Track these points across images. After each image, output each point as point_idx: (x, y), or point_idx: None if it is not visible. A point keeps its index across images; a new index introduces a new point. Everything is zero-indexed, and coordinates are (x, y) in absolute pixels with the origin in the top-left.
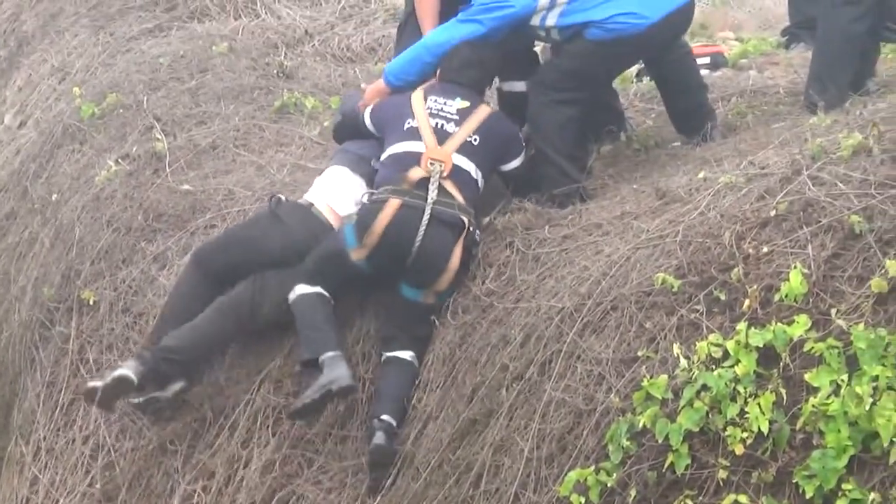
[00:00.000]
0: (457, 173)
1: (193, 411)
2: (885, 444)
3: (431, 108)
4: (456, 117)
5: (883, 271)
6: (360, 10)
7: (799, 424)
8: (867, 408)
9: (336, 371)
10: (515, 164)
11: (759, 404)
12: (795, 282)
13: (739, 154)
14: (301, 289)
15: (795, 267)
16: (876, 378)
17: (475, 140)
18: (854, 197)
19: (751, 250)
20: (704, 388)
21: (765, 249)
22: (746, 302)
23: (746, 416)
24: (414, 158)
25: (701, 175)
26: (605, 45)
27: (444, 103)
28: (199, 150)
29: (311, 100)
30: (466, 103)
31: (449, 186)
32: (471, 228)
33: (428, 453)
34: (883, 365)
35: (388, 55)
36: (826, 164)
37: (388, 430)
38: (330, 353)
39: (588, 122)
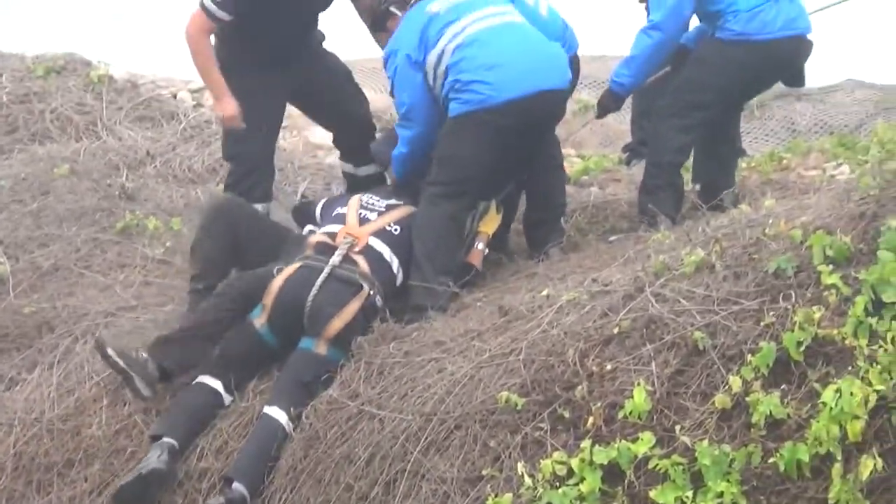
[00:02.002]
0: (369, 252)
1: None
2: None
3: (363, 202)
4: (381, 209)
5: (726, 387)
6: (202, 131)
7: None
8: None
9: (153, 455)
10: None
11: None
12: (639, 399)
13: (583, 271)
14: (201, 378)
15: (639, 384)
16: (721, 494)
17: (395, 230)
18: (697, 313)
19: (594, 368)
20: None
21: (608, 367)
22: (590, 419)
23: None
24: (331, 236)
25: (544, 292)
26: (463, 118)
27: (377, 200)
28: (42, 272)
29: (153, 220)
30: (398, 202)
31: (359, 260)
32: (371, 293)
33: None
34: (727, 481)
35: None
36: (669, 280)
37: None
38: (165, 439)
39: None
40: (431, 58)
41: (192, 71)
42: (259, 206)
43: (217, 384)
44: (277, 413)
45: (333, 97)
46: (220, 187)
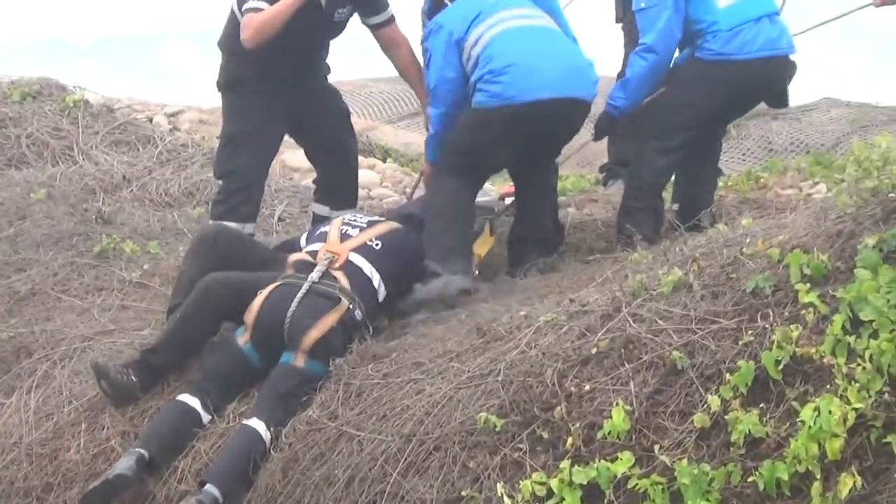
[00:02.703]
0: (349, 267)
1: None
2: None
3: (346, 220)
4: (363, 225)
5: (705, 406)
6: (178, 155)
7: None
8: None
9: (123, 462)
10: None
11: None
12: (618, 419)
13: (560, 291)
14: (182, 397)
15: (618, 404)
16: None
17: (376, 245)
18: (675, 333)
19: (573, 388)
20: None
21: (587, 387)
22: (569, 440)
23: None
24: (312, 255)
25: (522, 312)
26: (487, 111)
27: (360, 218)
28: (19, 297)
29: (129, 244)
30: (380, 219)
31: (339, 276)
32: (350, 307)
33: None
34: (707, 500)
35: (206, 198)
36: (646, 300)
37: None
38: (135, 449)
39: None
40: (470, 39)
41: (168, 95)
42: (244, 226)
43: (196, 402)
44: (256, 424)
45: (329, 136)
46: (200, 210)
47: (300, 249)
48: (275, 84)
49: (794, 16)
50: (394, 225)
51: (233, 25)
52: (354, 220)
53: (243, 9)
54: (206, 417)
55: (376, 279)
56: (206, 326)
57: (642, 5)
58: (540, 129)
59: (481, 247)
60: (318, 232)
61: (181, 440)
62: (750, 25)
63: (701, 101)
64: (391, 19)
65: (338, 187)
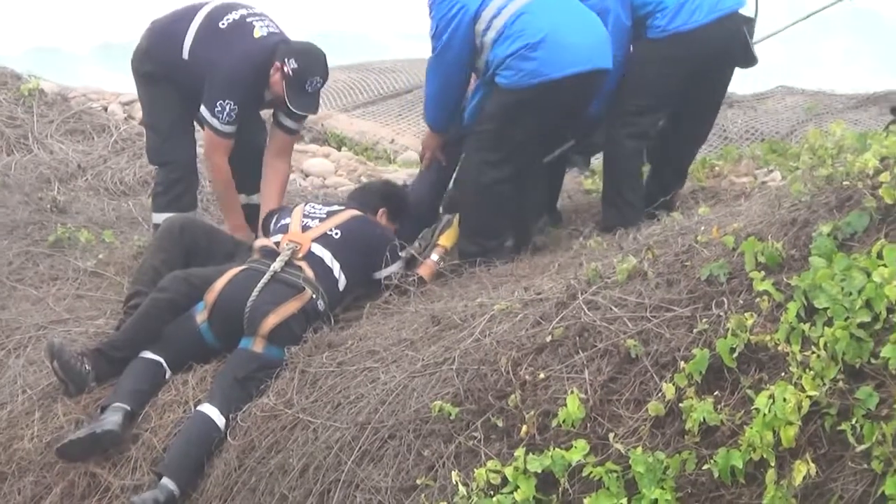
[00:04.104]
0: (311, 257)
1: None
2: None
3: (306, 212)
4: (323, 216)
5: (660, 394)
6: (133, 144)
7: None
8: None
9: (109, 417)
10: (391, 270)
11: None
12: (572, 407)
13: (516, 279)
14: (143, 353)
15: (572, 392)
16: (655, 501)
17: (336, 234)
18: (629, 321)
19: (527, 376)
20: None
21: (541, 375)
22: (524, 428)
23: None
24: (276, 244)
25: (477, 301)
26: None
27: (319, 209)
28: None
29: (84, 233)
30: (339, 208)
31: (302, 265)
32: (313, 297)
33: None
34: (662, 488)
35: None
36: (601, 288)
37: (168, 498)
38: (117, 403)
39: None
40: (490, 9)
41: (123, 83)
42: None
43: (159, 359)
44: (210, 410)
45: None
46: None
47: (268, 232)
48: (179, 82)
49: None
50: (353, 213)
51: (173, 48)
52: (313, 212)
53: (210, 120)
54: (168, 373)
55: (336, 268)
56: (167, 322)
57: None
58: (571, 103)
59: (448, 238)
60: (279, 224)
61: (153, 389)
62: None
63: (661, 81)
64: (297, 133)
65: (249, 175)
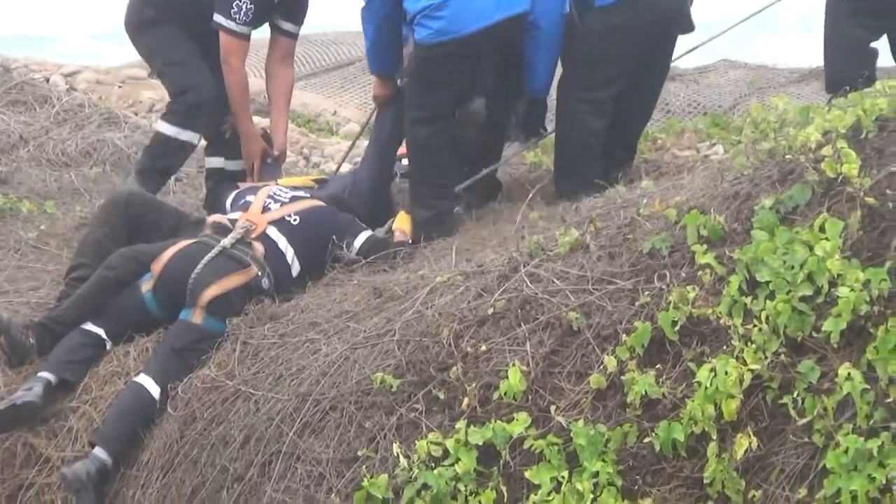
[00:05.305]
0: (265, 239)
1: None
2: None
3: (272, 192)
4: (285, 200)
5: (601, 367)
6: (75, 115)
7: None
8: None
9: (31, 388)
10: (359, 241)
11: (479, 502)
12: (514, 379)
13: (458, 252)
14: (84, 325)
15: (514, 364)
16: (596, 474)
17: (294, 220)
18: (571, 293)
19: (469, 349)
20: (425, 486)
21: (483, 347)
22: (465, 400)
23: None
24: (232, 221)
25: (419, 273)
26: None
27: (285, 192)
28: None
29: (26, 204)
30: (303, 194)
31: (255, 245)
32: (258, 274)
33: None
34: (603, 461)
35: (103, 158)
36: (544, 261)
37: (99, 468)
38: (39, 374)
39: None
40: None
41: (64, 55)
42: (198, 137)
43: (100, 331)
44: (146, 381)
45: (222, 91)
46: (97, 170)
47: (223, 208)
48: (181, 18)
49: None
50: (315, 202)
51: None
52: (278, 194)
53: (226, 24)
54: (109, 344)
55: (290, 254)
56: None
57: None
58: (491, 54)
59: (401, 222)
60: (242, 200)
61: (86, 363)
62: None
63: (616, 51)
64: (297, 36)
65: (228, 138)
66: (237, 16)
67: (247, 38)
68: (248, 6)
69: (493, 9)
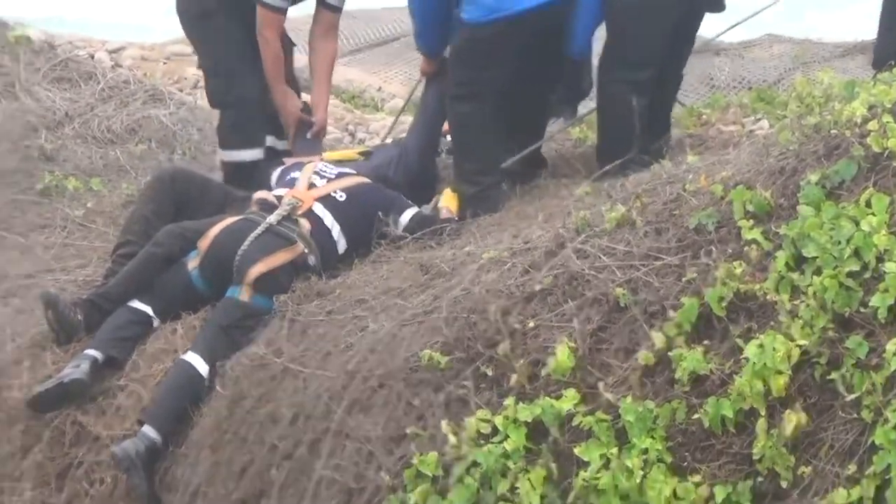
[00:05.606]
0: (311, 215)
1: None
2: None
3: (318, 168)
4: (331, 177)
5: (649, 343)
6: (120, 91)
7: (570, 499)
8: (637, 481)
9: (78, 366)
10: (405, 218)
11: (529, 479)
12: (562, 356)
13: (504, 228)
14: (133, 303)
15: (562, 341)
16: (645, 451)
17: (340, 196)
18: (618, 269)
19: (517, 325)
20: (474, 464)
21: (531, 324)
22: (514, 377)
23: (517, 491)
24: (278, 198)
25: (466, 249)
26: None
27: (330, 169)
28: None
29: (73, 181)
30: (350, 171)
31: (302, 221)
32: (305, 251)
33: None
34: (652, 437)
35: (148, 135)
36: (590, 237)
37: (148, 447)
38: (89, 351)
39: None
40: None
41: (109, 31)
42: (258, 150)
43: (147, 308)
44: (194, 359)
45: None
46: (142, 147)
47: (268, 184)
48: (243, 12)
49: None
50: (362, 179)
51: None
52: (324, 171)
53: None
54: (156, 321)
55: (336, 230)
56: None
57: None
58: (532, 40)
59: (451, 201)
60: (288, 177)
61: (133, 340)
62: None
63: (658, 27)
64: (340, 10)
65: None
66: None
67: (282, 11)
68: None
69: None
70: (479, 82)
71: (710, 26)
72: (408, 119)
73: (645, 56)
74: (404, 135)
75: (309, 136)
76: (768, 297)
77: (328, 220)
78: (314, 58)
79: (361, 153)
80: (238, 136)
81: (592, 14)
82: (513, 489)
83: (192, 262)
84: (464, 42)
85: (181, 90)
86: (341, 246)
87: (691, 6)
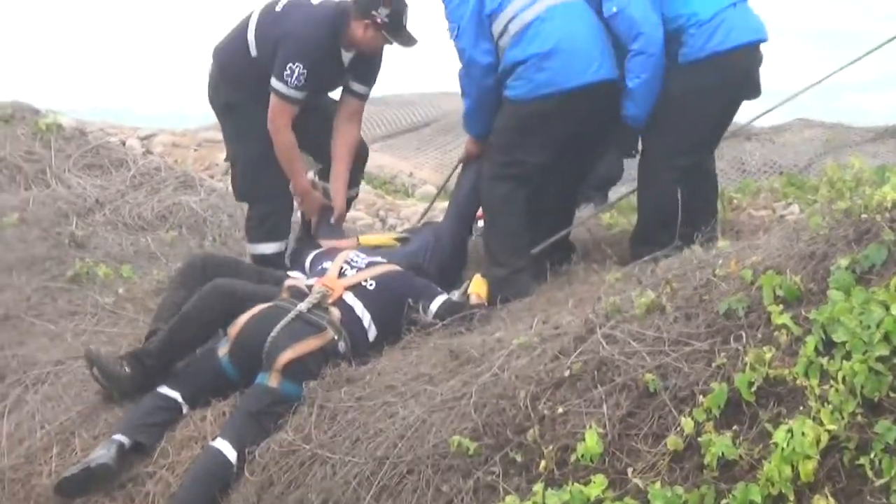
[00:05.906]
0: (342, 305)
1: None
2: None
3: (349, 258)
4: (362, 266)
5: (678, 429)
6: (151, 178)
7: None
8: None
9: (104, 451)
10: (435, 305)
11: None
12: (591, 441)
13: (534, 314)
14: (162, 389)
15: (591, 426)
16: None
17: (370, 285)
18: (647, 355)
19: (546, 411)
20: None
21: (560, 410)
22: (543, 463)
23: None
24: (309, 287)
25: (496, 335)
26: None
27: (361, 258)
28: None
29: (103, 268)
30: (380, 260)
31: (332, 310)
32: (335, 338)
33: None
34: None
35: (179, 222)
36: (620, 322)
37: None
38: (116, 436)
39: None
40: (507, 12)
41: (141, 118)
42: (284, 244)
43: (176, 395)
44: (223, 445)
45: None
46: (173, 234)
47: (303, 266)
48: (267, 105)
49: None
50: (392, 267)
51: (240, 53)
52: (355, 260)
53: (276, 85)
54: (185, 408)
55: (366, 319)
56: (205, 331)
57: (614, 9)
58: (581, 117)
59: (480, 286)
60: (319, 266)
61: (161, 427)
62: (729, 11)
63: (704, 113)
64: (366, 97)
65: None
66: (289, 79)
67: (295, 101)
68: (301, 71)
69: (595, 69)
70: (522, 162)
71: (742, 111)
72: (441, 205)
73: (690, 142)
74: (440, 219)
75: (332, 220)
76: (798, 381)
77: (359, 308)
78: (336, 140)
79: (398, 238)
80: (261, 231)
81: (656, 79)
82: None
83: (223, 350)
84: (509, 120)
85: (212, 176)
86: (372, 333)
87: (736, 94)
